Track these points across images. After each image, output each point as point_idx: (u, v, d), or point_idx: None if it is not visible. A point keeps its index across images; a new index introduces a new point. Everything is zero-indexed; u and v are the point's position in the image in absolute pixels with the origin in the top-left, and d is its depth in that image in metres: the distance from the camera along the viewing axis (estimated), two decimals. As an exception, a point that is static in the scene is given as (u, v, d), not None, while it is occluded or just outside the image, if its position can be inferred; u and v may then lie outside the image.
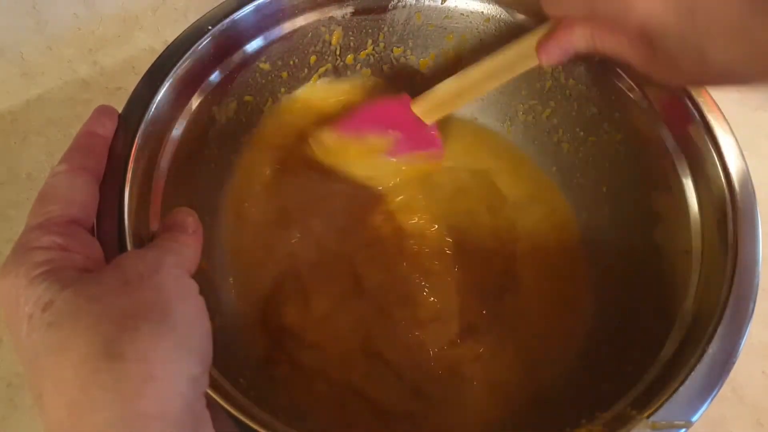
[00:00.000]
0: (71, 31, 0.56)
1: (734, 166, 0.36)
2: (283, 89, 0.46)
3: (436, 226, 0.47)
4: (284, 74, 0.45)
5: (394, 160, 0.45)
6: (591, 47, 0.34)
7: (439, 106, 0.43)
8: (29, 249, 0.27)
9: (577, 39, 0.35)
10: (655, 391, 0.31)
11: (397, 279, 0.45)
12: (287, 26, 0.42)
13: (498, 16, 0.44)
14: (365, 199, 0.47)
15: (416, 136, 0.44)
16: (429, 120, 0.44)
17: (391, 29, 0.46)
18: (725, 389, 0.30)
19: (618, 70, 0.42)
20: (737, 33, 0.27)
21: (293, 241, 0.45)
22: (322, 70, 0.46)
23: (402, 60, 0.48)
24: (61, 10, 0.56)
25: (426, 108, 0.43)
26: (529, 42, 0.37)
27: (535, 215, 0.48)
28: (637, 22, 0.30)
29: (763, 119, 0.56)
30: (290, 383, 0.40)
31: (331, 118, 0.46)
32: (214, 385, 0.29)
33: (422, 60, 0.48)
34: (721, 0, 0.27)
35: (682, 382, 0.30)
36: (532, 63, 0.38)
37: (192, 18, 0.39)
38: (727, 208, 0.35)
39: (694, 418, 0.30)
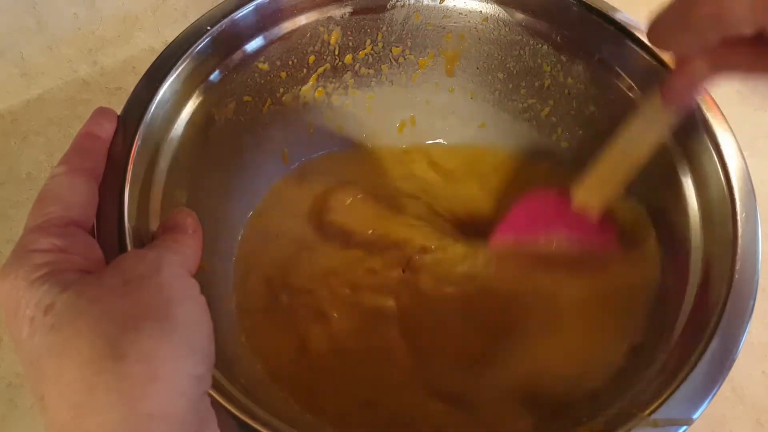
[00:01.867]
0: (71, 31, 0.56)
1: (734, 166, 0.36)
2: (282, 89, 0.46)
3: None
4: (283, 74, 0.45)
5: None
6: (718, 71, 0.33)
7: (599, 192, 0.41)
8: (29, 251, 0.27)
9: (700, 69, 0.33)
10: (657, 388, 0.31)
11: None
12: (286, 26, 0.42)
13: (497, 15, 0.44)
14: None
15: (584, 231, 0.42)
16: (593, 209, 0.41)
17: (389, 29, 0.46)
18: (725, 389, 0.30)
19: (617, 69, 0.42)
20: None
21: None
22: (320, 70, 0.46)
23: (401, 60, 0.48)
24: (61, 10, 0.56)
25: (586, 197, 0.41)
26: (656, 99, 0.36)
27: None
28: (750, 28, 0.28)
29: (763, 119, 0.56)
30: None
31: None
32: (215, 385, 0.29)
33: (421, 59, 0.48)
34: None
35: (684, 380, 0.30)
36: (667, 117, 0.37)
37: (192, 18, 0.39)
38: (727, 208, 0.35)
39: (695, 416, 0.30)
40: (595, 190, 0.40)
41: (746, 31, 0.28)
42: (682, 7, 0.30)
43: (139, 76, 0.36)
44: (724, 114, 0.37)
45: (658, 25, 0.32)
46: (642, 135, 0.38)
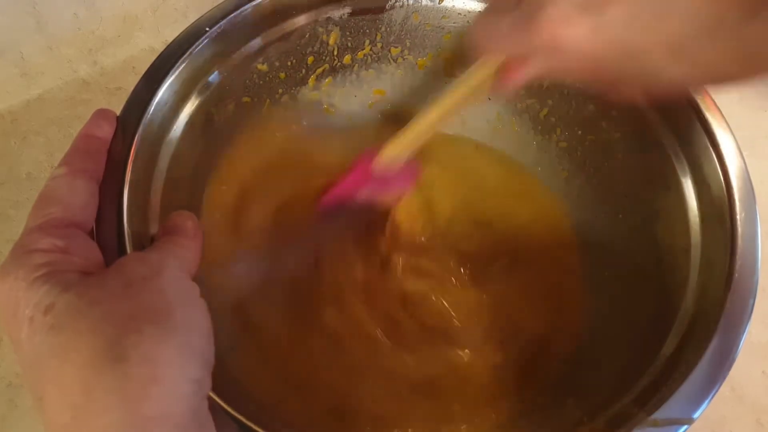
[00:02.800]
0: (71, 31, 0.56)
1: (733, 166, 0.36)
2: (280, 90, 0.46)
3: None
4: (282, 75, 0.45)
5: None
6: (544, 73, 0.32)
7: (402, 149, 0.40)
8: (29, 251, 0.27)
9: (532, 69, 0.31)
10: (656, 388, 0.31)
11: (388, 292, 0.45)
12: (285, 27, 0.42)
13: (496, 15, 0.44)
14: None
15: (390, 181, 0.42)
16: (398, 163, 0.41)
17: (388, 29, 0.46)
18: (725, 389, 0.31)
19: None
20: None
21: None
22: (319, 71, 0.46)
23: (400, 60, 0.48)
24: (61, 10, 0.55)
25: (391, 155, 0.40)
26: (480, 75, 0.35)
27: (531, 214, 0.48)
28: (580, 57, 0.28)
29: (763, 119, 0.56)
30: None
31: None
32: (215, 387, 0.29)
33: (420, 60, 0.48)
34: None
35: (683, 380, 0.30)
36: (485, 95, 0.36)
37: (192, 18, 0.39)
38: (726, 208, 0.35)
39: (695, 415, 0.30)
40: (400, 151, 0.40)
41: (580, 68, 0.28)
42: (518, 23, 0.29)
43: (139, 76, 0.36)
44: (724, 114, 0.37)
45: (486, 32, 0.31)
46: (457, 96, 0.37)
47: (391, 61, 0.48)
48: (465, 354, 0.43)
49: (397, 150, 0.40)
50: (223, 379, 0.28)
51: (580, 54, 0.27)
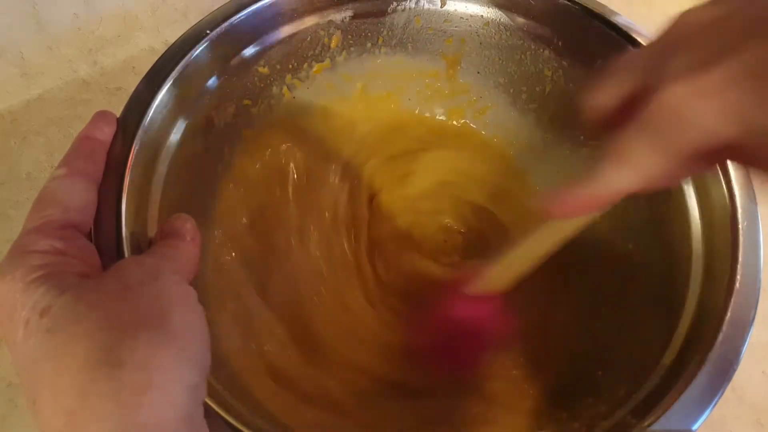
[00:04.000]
0: (71, 31, 0.56)
1: (735, 173, 0.36)
2: (281, 92, 0.45)
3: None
4: (283, 78, 0.45)
5: None
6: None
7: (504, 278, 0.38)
8: (26, 252, 0.27)
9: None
10: (656, 399, 0.31)
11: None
12: (286, 30, 0.42)
13: (498, 19, 0.44)
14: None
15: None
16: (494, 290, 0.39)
17: (390, 33, 0.46)
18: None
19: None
20: None
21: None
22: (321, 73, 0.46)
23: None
24: (61, 10, 0.55)
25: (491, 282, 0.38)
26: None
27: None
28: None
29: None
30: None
31: None
32: (211, 393, 0.28)
33: (422, 63, 0.48)
34: None
35: (683, 391, 0.30)
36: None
37: (192, 18, 0.39)
38: (729, 216, 0.35)
39: (694, 427, 0.29)
40: (501, 277, 0.38)
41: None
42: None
43: (139, 77, 0.36)
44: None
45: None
46: (549, 237, 0.34)
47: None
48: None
49: (499, 278, 0.38)
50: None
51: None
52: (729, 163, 0.35)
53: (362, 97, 0.49)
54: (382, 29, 0.45)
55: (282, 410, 0.36)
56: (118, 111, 0.35)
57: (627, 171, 0.26)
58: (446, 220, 0.49)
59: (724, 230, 0.35)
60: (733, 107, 0.22)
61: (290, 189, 0.47)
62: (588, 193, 0.28)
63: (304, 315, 0.43)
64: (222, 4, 0.40)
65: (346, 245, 0.47)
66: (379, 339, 0.43)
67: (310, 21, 0.43)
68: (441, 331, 0.41)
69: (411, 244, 0.48)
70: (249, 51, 0.41)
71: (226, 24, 0.39)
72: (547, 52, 0.44)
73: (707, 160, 0.25)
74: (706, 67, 0.23)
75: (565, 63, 0.44)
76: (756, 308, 0.32)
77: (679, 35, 0.25)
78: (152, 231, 0.34)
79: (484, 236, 0.49)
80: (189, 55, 0.37)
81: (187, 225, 0.32)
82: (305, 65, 0.45)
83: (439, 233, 0.49)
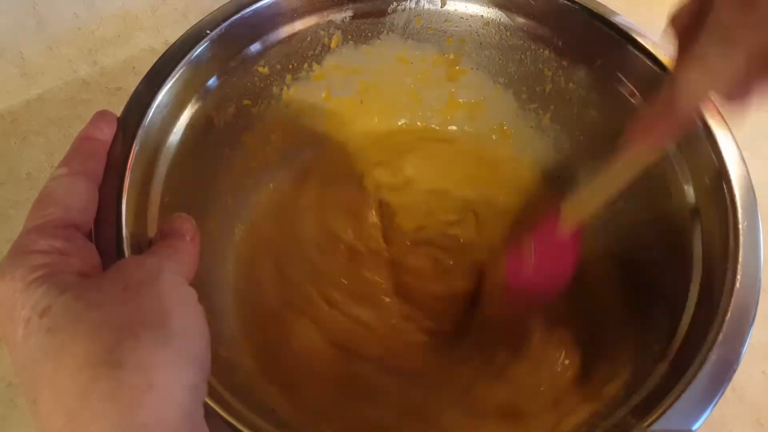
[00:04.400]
0: (71, 31, 0.56)
1: (735, 172, 0.36)
2: (282, 92, 0.45)
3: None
4: (283, 78, 0.45)
5: None
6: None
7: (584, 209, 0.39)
8: (26, 252, 0.27)
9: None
10: (656, 399, 0.31)
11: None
12: (286, 30, 0.42)
13: (498, 19, 0.44)
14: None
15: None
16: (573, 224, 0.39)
17: (390, 33, 0.46)
18: (725, 388, 0.30)
19: (618, 74, 0.42)
20: None
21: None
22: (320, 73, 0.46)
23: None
24: (61, 10, 0.55)
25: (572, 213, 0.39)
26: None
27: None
28: None
29: (763, 119, 0.56)
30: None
31: None
32: (211, 393, 0.28)
33: (422, 63, 0.48)
34: None
35: (683, 391, 0.30)
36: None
37: (192, 18, 0.39)
38: (728, 215, 0.35)
39: (694, 427, 0.29)
40: (581, 208, 0.39)
41: None
42: None
43: (139, 77, 0.36)
44: (724, 114, 0.37)
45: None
46: (628, 168, 0.35)
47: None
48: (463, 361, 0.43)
49: (581, 211, 0.38)
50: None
51: None
52: (728, 162, 0.36)
53: (362, 97, 0.49)
54: (382, 29, 0.45)
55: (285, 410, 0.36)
56: (118, 111, 0.35)
57: (705, 75, 0.27)
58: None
59: (724, 230, 0.35)
60: None
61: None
62: (672, 108, 0.29)
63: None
64: (222, 4, 0.40)
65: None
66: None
67: (310, 21, 0.43)
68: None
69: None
70: (249, 51, 0.41)
71: (226, 24, 0.39)
72: (547, 52, 0.44)
73: None
74: None
75: (565, 63, 0.44)
76: (756, 308, 0.32)
77: None
78: (152, 231, 0.34)
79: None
80: (189, 55, 0.37)
81: (187, 224, 0.32)
82: (305, 65, 0.45)
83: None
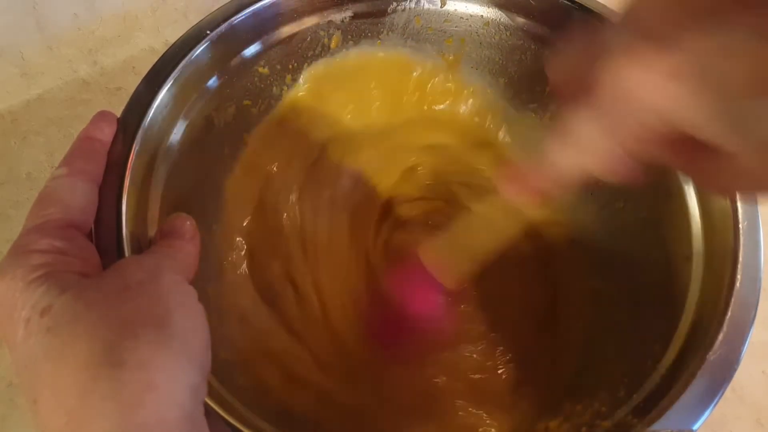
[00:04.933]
0: (71, 31, 0.56)
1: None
2: (282, 93, 0.45)
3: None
4: (283, 78, 0.45)
5: None
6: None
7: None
8: (27, 251, 0.27)
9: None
10: (656, 399, 0.31)
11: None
12: (286, 30, 0.42)
13: (498, 19, 0.44)
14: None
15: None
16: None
17: (390, 33, 0.46)
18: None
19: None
20: None
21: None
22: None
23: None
24: (61, 10, 0.55)
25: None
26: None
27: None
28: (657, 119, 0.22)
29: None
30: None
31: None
32: (211, 393, 0.28)
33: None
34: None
35: (683, 391, 0.30)
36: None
37: (192, 18, 0.39)
38: (729, 216, 0.35)
39: (695, 426, 0.29)
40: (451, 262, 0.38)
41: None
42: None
43: (140, 77, 0.36)
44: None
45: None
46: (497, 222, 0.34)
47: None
48: (463, 359, 0.43)
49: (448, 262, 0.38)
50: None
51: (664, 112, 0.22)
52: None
53: (362, 96, 0.49)
54: (382, 29, 0.45)
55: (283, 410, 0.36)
56: (118, 111, 0.35)
57: (573, 152, 0.26)
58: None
59: (725, 230, 0.35)
60: (687, 94, 0.21)
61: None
62: (536, 171, 0.27)
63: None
64: (222, 4, 0.40)
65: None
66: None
67: (310, 21, 0.43)
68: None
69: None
70: (249, 51, 0.41)
71: (226, 24, 0.38)
72: (547, 52, 0.44)
73: (667, 150, 0.24)
74: (666, 47, 0.21)
75: (565, 63, 0.44)
76: (756, 308, 0.32)
77: (642, 10, 0.23)
78: (152, 231, 0.34)
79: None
80: (189, 55, 0.37)
81: (187, 224, 0.32)
82: (305, 65, 0.45)
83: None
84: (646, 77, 0.22)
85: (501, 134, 0.50)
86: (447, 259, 0.38)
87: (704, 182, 0.26)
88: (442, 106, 0.50)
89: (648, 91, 0.22)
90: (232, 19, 0.39)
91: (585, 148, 0.25)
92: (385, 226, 0.48)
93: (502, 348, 0.43)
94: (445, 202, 0.50)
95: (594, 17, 0.41)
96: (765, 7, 0.19)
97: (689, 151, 0.23)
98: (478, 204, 0.35)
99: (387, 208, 0.49)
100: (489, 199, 0.34)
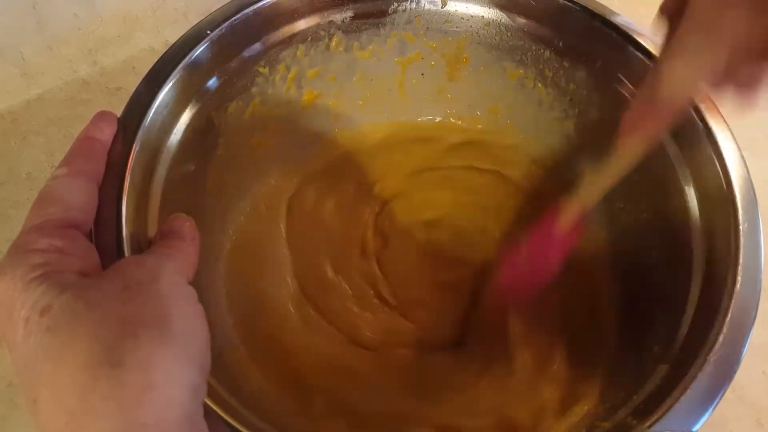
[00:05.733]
0: (71, 31, 0.56)
1: (736, 174, 0.35)
2: (282, 92, 0.45)
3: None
4: (283, 77, 0.45)
5: None
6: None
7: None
8: (26, 251, 0.27)
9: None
10: (657, 400, 0.31)
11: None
12: (286, 30, 0.42)
13: (499, 20, 0.44)
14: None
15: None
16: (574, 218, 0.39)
17: (391, 33, 0.46)
18: (725, 389, 0.30)
19: (619, 74, 0.42)
20: None
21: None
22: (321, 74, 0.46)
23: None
24: (61, 10, 0.55)
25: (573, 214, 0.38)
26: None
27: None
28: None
29: (763, 119, 0.56)
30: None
31: None
32: (211, 393, 0.28)
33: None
34: None
35: (684, 392, 0.30)
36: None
37: (192, 18, 0.39)
38: (729, 216, 0.35)
39: (695, 428, 0.29)
40: (580, 201, 0.38)
41: None
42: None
43: (140, 77, 0.36)
44: (724, 114, 0.37)
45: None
46: (625, 160, 0.35)
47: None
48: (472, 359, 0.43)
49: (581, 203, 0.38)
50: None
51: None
52: (729, 163, 0.36)
53: (363, 97, 0.49)
54: (382, 30, 0.45)
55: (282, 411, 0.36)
56: (118, 111, 0.35)
57: (686, 64, 0.27)
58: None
59: (725, 231, 0.35)
60: None
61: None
62: (657, 98, 0.29)
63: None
64: (222, 4, 0.40)
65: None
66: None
67: (310, 21, 0.43)
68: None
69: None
70: (249, 51, 0.41)
71: (226, 24, 0.39)
72: (547, 52, 0.44)
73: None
74: None
75: (565, 63, 0.44)
76: (757, 309, 0.32)
77: None
78: (152, 231, 0.34)
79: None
80: (189, 55, 0.37)
81: (187, 225, 0.32)
82: (306, 66, 0.45)
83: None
84: None
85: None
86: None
87: None
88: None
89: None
90: (232, 19, 0.39)
91: (694, 56, 0.27)
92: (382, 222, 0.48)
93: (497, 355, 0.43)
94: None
95: (594, 18, 0.41)
96: None
97: None
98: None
99: (383, 207, 0.48)
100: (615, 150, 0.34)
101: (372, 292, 0.45)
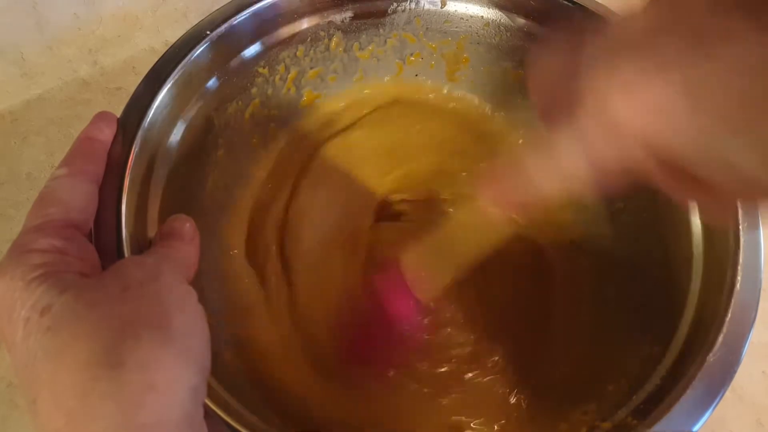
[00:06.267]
0: (71, 31, 0.56)
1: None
2: (282, 93, 0.45)
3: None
4: (284, 78, 0.45)
5: None
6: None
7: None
8: (26, 251, 0.27)
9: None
10: (656, 400, 0.31)
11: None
12: (286, 31, 0.42)
13: (498, 20, 0.44)
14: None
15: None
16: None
17: (390, 34, 0.46)
18: (724, 389, 0.30)
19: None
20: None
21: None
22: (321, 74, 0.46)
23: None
24: (61, 10, 0.55)
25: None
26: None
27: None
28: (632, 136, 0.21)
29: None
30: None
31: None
32: (211, 394, 0.28)
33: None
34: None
35: (684, 392, 0.30)
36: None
37: (192, 18, 0.39)
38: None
39: (695, 428, 0.29)
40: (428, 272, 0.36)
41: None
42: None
43: (140, 77, 0.36)
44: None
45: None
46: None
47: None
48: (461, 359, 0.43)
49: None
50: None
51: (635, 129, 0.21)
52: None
53: (363, 97, 0.49)
54: (382, 30, 0.45)
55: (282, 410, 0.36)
56: (118, 111, 0.35)
57: (553, 171, 0.25)
58: None
59: (725, 231, 0.35)
60: (672, 129, 0.20)
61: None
62: (514, 182, 0.27)
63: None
64: (222, 4, 0.40)
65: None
66: None
67: (310, 22, 0.43)
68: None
69: None
70: (249, 52, 0.41)
71: (226, 25, 0.38)
72: (527, 57, 0.44)
73: (650, 173, 0.23)
74: (652, 72, 0.20)
75: (565, 63, 0.44)
76: (756, 309, 0.32)
77: (630, 20, 0.22)
78: (152, 231, 0.34)
79: None
80: (189, 55, 0.37)
81: (187, 225, 0.32)
82: (306, 66, 0.45)
83: None
84: (630, 107, 0.21)
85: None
86: (424, 269, 0.36)
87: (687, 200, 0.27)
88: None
89: (631, 121, 0.21)
90: (232, 19, 0.39)
91: (565, 168, 0.25)
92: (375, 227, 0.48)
93: (495, 352, 0.43)
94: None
95: (594, 18, 0.41)
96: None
97: (676, 177, 0.22)
98: (457, 210, 0.33)
99: (381, 208, 0.48)
100: (468, 205, 0.32)
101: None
